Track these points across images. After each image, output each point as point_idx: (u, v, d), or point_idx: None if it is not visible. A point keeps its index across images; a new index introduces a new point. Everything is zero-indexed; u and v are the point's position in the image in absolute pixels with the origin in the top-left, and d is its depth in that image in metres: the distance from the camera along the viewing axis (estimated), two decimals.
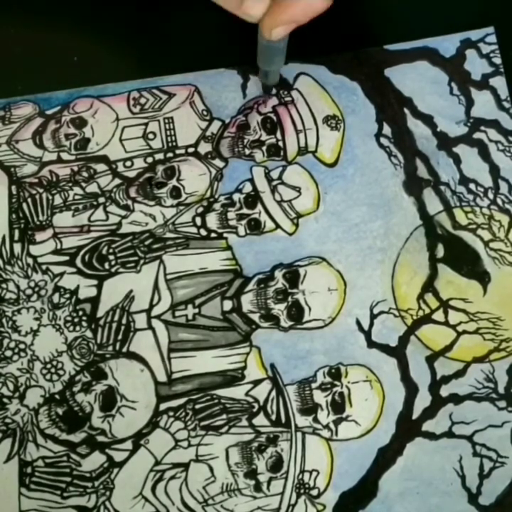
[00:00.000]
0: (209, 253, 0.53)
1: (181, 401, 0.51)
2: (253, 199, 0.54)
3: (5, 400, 0.50)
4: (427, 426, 0.51)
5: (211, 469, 0.50)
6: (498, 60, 0.57)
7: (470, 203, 0.54)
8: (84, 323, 0.51)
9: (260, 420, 0.50)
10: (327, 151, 0.55)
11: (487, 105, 0.56)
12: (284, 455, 0.50)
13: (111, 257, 0.53)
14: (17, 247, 0.52)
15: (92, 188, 0.54)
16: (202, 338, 0.52)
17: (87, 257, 0.53)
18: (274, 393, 0.51)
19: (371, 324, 0.52)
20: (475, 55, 0.57)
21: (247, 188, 0.54)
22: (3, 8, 0.55)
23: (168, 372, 0.51)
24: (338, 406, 0.51)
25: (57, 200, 0.54)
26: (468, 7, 0.58)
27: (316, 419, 0.51)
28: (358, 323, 0.52)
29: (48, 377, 0.51)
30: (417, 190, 0.54)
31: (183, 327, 0.52)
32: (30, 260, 0.52)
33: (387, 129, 0.55)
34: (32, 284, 0.52)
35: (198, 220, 0.53)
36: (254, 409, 0.51)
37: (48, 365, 0.51)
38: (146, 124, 0.55)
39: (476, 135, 0.56)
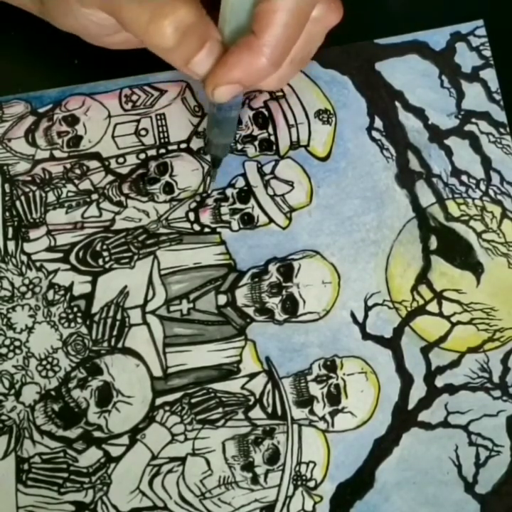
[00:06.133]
0: (203, 248, 0.53)
1: (177, 395, 0.51)
2: (246, 194, 0.54)
3: (1, 398, 0.50)
4: (423, 416, 0.51)
5: (208, 463, 0.50)
6: (488, 53, 0.57)
7: (462, 195, 0.55)
8: (79, 320, 0.51)
9: (256, 413, 0.50)
10: (319, 145, 0.55)
11: (478, 97, 0.56)
12: (281, 447, 0.50)
13: (105, 254, 0.53)
14: (11, 245, 0.53)
15: (85, 185, 0.54)
16: (197, 332, 0.52)
17: (81, 254, 0.53)
18: (269, 386, 0.51)
19: (366, 316, 0.52)
20: (465, 48, 0.57)
21: (240, 182, 0.54)
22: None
23: (163, 366, 0.51)
24: (333, 398, 0.51)
25: (51, 197, 0.54)
26: (457, 0, 0.58)
27: (312, 411, 0.51)
28: (353, 315, 0.52)
29: (43, 373, 0.51)
30: (410, 182, 0.55)
31: (178, 322, 0.52)
32: (24, 257, 0.52)
33: (378, 123, 0.56)
34: (26, 281, 0.52)
35: (192, 216, 0.54)
36: (250, 403, 0.51)
37: (44, 362, 0.51)
38: (138, 121, 0.55)
39: (467, 127, 0.56)
